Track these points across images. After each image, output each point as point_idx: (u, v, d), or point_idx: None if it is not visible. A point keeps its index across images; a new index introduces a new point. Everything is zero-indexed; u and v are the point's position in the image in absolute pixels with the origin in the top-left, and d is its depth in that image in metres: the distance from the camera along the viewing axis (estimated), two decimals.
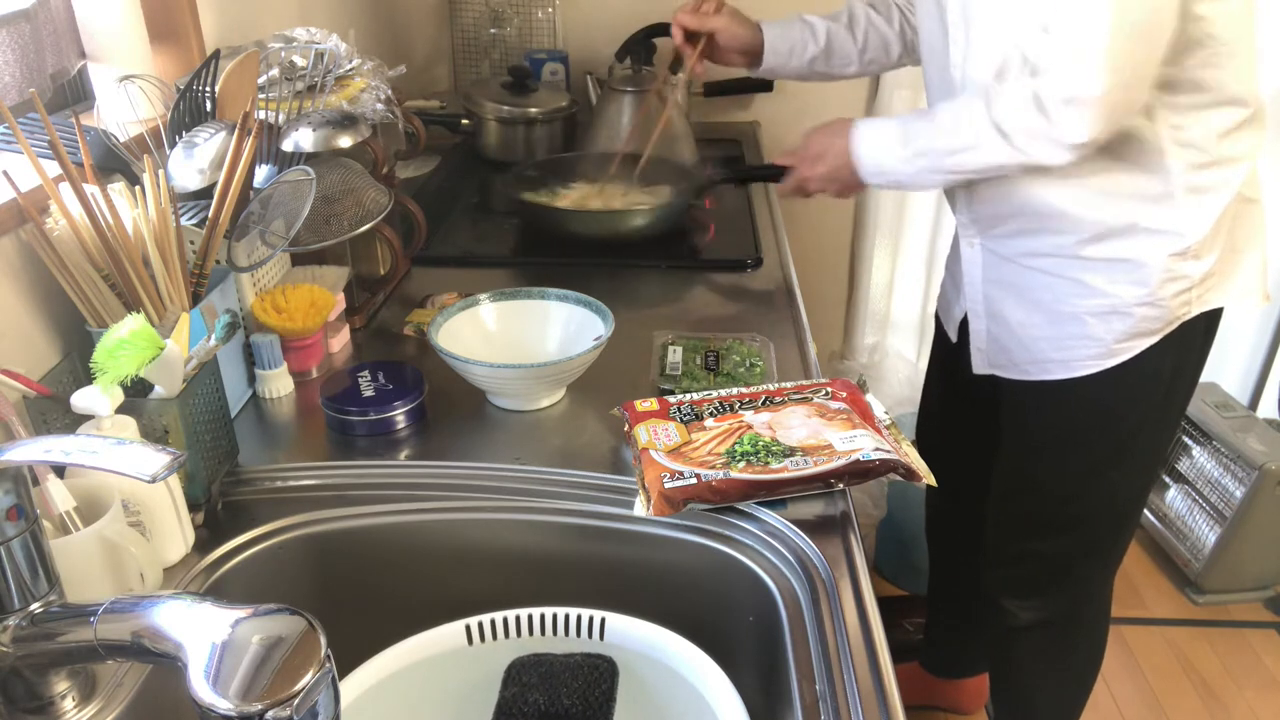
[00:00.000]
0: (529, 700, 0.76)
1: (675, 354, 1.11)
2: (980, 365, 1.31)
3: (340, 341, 1.17)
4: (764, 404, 0.95)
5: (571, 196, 1.58)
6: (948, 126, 1.08)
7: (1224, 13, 1.02)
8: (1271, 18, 2.02)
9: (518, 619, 0.79)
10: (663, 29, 1.90)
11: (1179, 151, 1.07)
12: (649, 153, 1.56)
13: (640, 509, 0.84)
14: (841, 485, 0.87)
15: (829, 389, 0.98)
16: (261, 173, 1.10)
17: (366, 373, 1.02)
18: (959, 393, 1.45)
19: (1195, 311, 1.14)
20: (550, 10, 2.11)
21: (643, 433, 0.91)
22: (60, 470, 0.74)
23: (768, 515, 0.86)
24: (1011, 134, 1.03)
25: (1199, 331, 1.17)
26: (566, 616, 0.79)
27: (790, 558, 0.82)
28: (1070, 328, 1.17)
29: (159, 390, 0.80)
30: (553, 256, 1.49)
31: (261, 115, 1.10)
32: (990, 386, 1.32)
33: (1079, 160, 1.03)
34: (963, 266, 1.29)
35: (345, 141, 1.10)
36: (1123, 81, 0.97)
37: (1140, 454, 1.26)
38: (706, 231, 1.54)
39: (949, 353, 1.43)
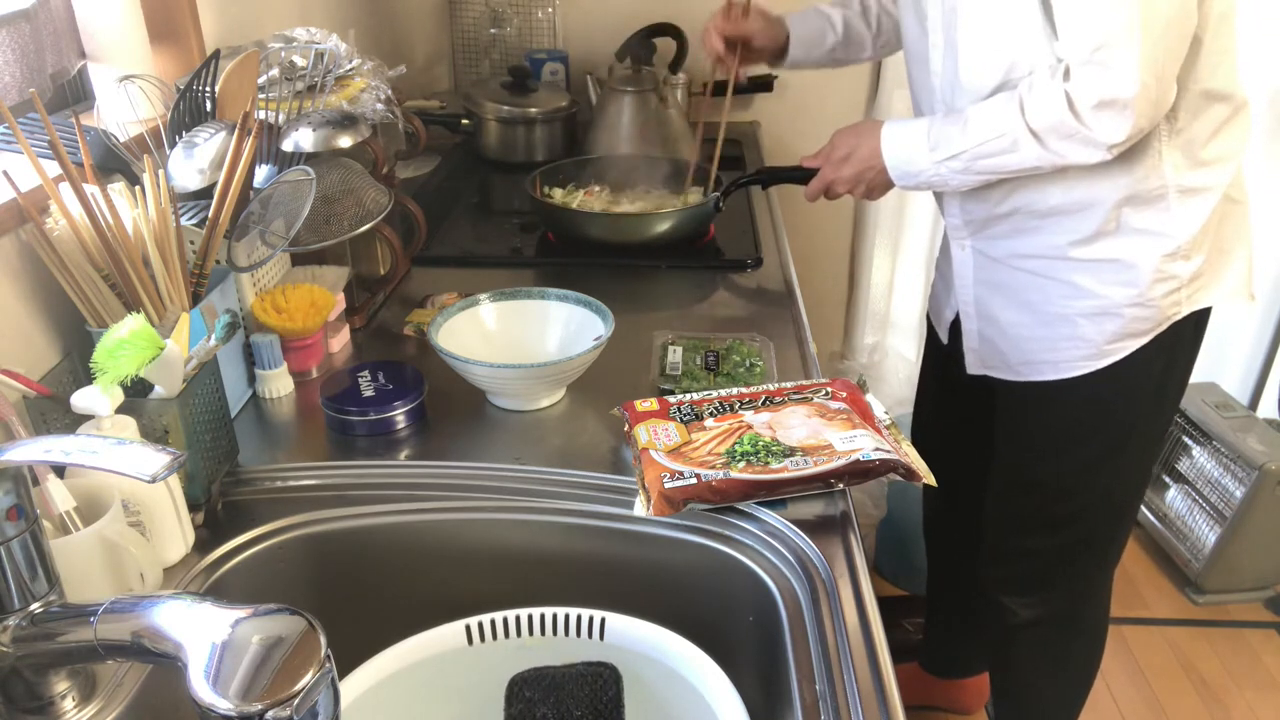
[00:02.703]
0: (537, 715, 0.76)
1: (675, 354, 1.11)
2: (974, 366, 1.32)
3: (340, 341, 1.17)
4: (764, 404, 0.95)
5: (591, 199, 1.57)
6: (980, 129, 1.08)
7: (1217, 11, 1.02)
8: (1269, 17, 2.03)
9: (518, 619, 0.79)
10: (663, 29, 1.91)
11: (1174, 151, 1.08)
12: (696, 159, 1.56)
13: (640, 509, 0.84)
14: (841, 485, 0.87)
15: (829, 389, 0.98)
16: (261, 173, 1.10)
17: (366, 373, 1.02)
18: (953, 393, 1.45)
19: (1185, 312, 1.14)
20: (550, 10, 2.11)
21: (643, 433, 0.91)
22: (60, 470, 0.74)
23: (768, 515, 0.86)
24: (1046, 137, 1.03)
25: (1189, 330, 1.17)
26: (566, 616, 0.79)
27: (790, 558, 0.82)
28: (1061, 329, 1.18)
29: (159, 390, 0.80)
30: (554, 257, 1.49)
31: (261, 115, 1.10)
32: (984, 386, 1.32)
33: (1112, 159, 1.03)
34: (954, 268, 1.29)
35: (345, 141, 1.10)
36: (1155, 79, 0.97)
37: (1136, 450, 1.26)
38: (706, 232, 1.54)
39: (941, 353, 1.43)
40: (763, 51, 1.44)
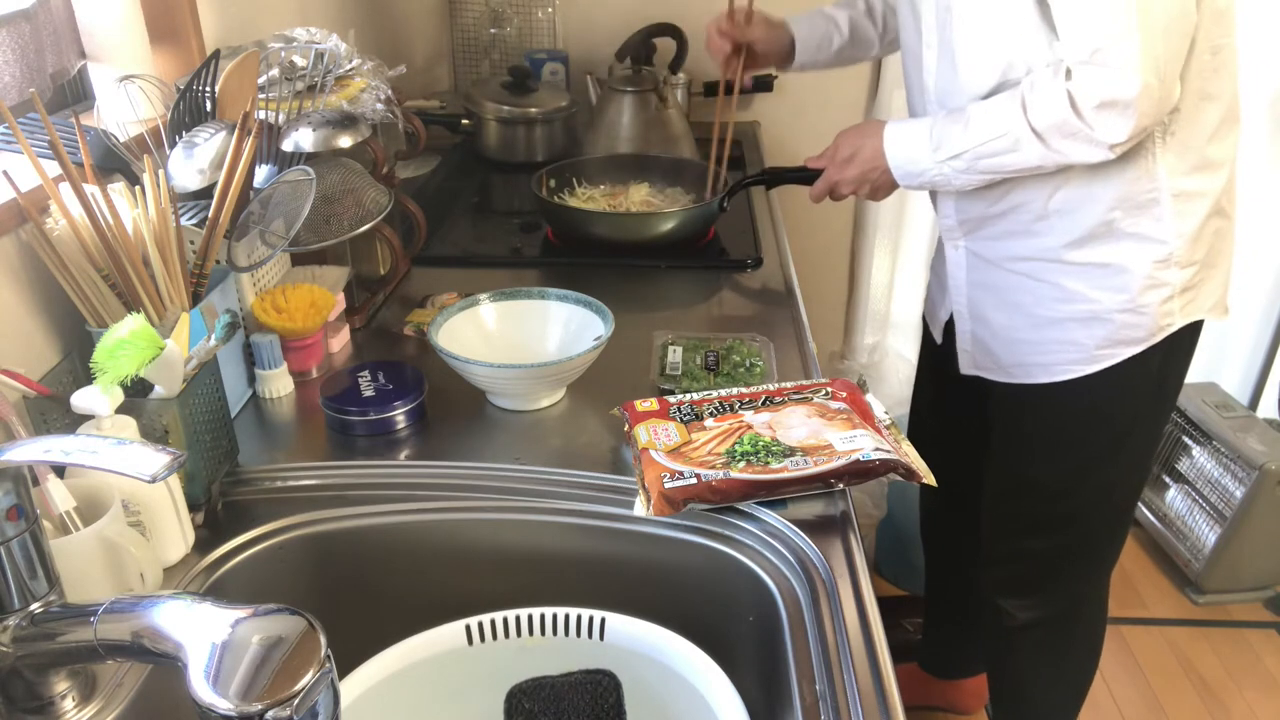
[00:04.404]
0: None
1: (675, 354, 1.11)
2: (966, 366, 1.32)
3: (340, 341, 1.17)
4: (764, 404, 0.95)
5: (594, 198, 1.57)
6: (982, 128, 1.08)
7: (1212, 9, 1.02)
8: (1267, 22, 2.03)
9: (518, 619, 0.79)
10: (663, 29, 1.91)
11: (1168, 154, 1.08)
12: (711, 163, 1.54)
13: (640, 509, 0.84)
14: (841, 485, 0.87)
15: (829, 389, 0.98)
16: (261, 173, 1.10)
17: (366, 373, 1.02)
18: (949, 394, 1.45)
19: (1179, 323, 1.14)
20: (550, 10, 2.11)
21: (643, 433, 0.91)
22: (60, 470, 0.74)
23: (768, 515, 0.86)
24: (1048, 136, 1.03)
25: (1185, 341, 1.18)
26: (566, 616, 0.79)
27: (790, 558, 0.82)
28: (1052, 332, 1.18)
29: (159, 390, 0.80)
30: (554, 256, 1.49)
31: (261, 115, 1.10)
32: (980, 387, 1.32)
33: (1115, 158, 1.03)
34: (948, 269, 1.30)
35: (345, 141, 1.10)
36: (1157, 79, 0.97)
37: (1133, 452, 1.26)
38: (707, 232, 1.54)
39: (937, 354, 1.43)
40: (766, 56, 1.44)
